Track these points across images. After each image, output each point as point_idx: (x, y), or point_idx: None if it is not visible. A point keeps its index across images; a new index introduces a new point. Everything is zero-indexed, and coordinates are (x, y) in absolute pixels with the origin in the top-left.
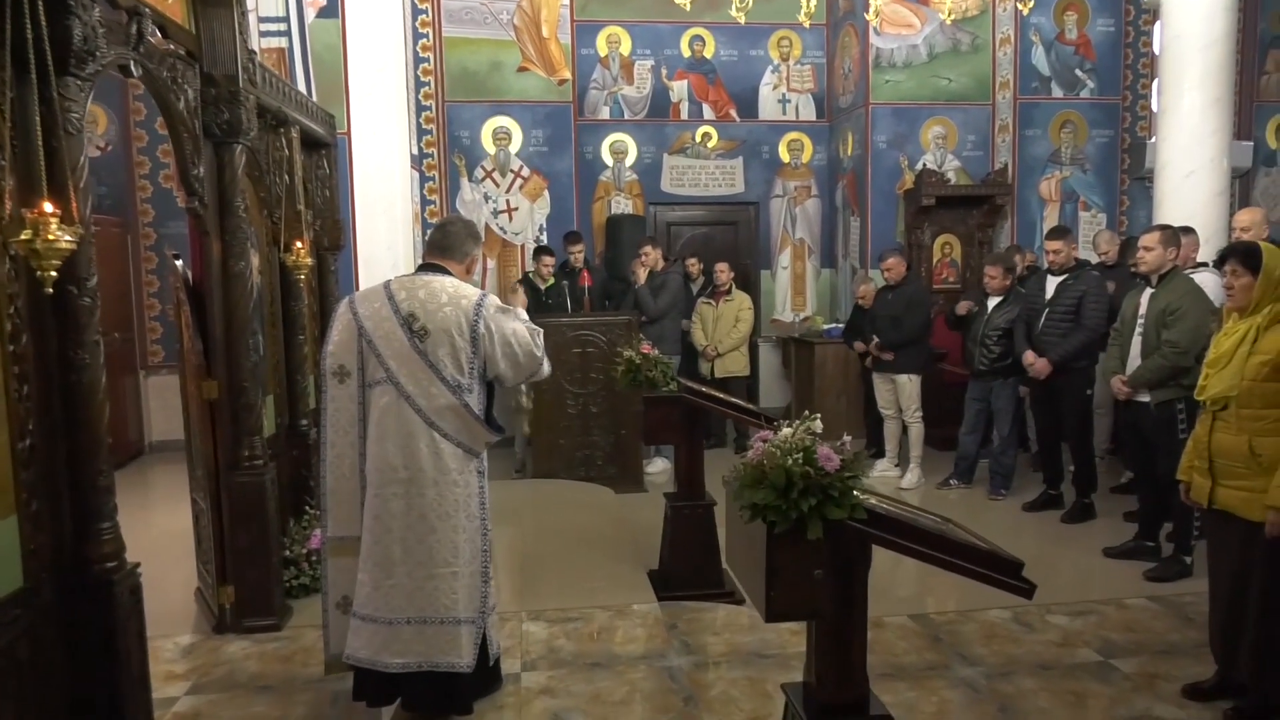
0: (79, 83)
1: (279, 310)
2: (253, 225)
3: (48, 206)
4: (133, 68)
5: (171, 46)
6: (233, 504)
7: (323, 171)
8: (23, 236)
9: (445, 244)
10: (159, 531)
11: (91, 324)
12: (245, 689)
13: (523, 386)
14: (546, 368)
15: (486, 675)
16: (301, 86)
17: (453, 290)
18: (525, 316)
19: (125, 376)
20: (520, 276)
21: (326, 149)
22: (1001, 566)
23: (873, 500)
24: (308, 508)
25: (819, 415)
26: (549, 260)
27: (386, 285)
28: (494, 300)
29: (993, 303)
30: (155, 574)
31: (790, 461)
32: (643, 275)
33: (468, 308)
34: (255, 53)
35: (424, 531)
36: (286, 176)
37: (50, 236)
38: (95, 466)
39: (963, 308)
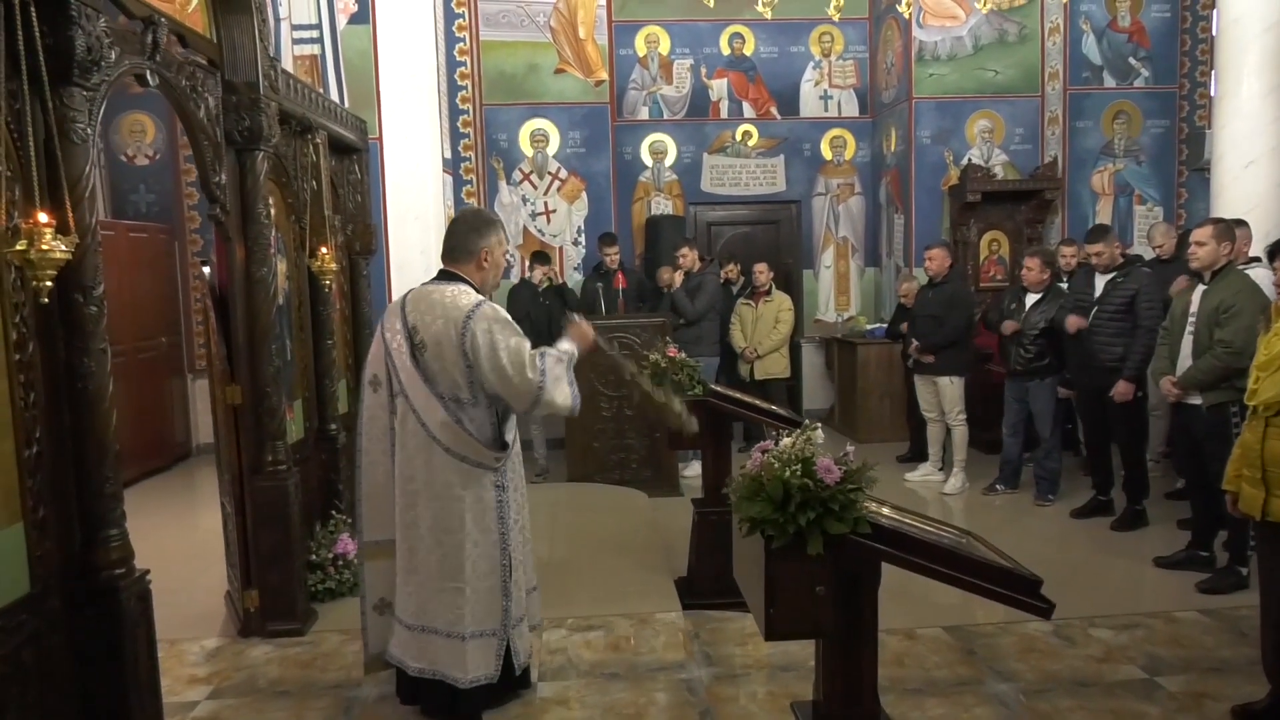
0: (85, 93)
1: (308, 315)
2: (279, 231)
3: (42, 217)
4: (149, 77)
5: (191, 55)
6: (256, 508)
7: (354, 176)
8: (17, 247)
9: (450, 245)
10: (202, 532)
11: (98, 331)
12: (263, 694)
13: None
14: (562, 399)
15: (513, 683)
16: (334, 93)
17: (450, 300)
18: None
19: (172, 379)
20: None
21: (358, 154)
22: (1017, 584)
23: (883, 513)
24: (335, 512)
25: (820, 425)
26: (543, 270)
27: (404, 296)
28: (489, 310)
29: (1030, 299)
30: (191, 575)
31: (788, 473)
32: (677, 279)
33: (458, 318)
34: (278, 60)
35: (431, 544)
36: (314, 182)
37: (44, 247)
38: (102, 473)
39: (1073, 325)
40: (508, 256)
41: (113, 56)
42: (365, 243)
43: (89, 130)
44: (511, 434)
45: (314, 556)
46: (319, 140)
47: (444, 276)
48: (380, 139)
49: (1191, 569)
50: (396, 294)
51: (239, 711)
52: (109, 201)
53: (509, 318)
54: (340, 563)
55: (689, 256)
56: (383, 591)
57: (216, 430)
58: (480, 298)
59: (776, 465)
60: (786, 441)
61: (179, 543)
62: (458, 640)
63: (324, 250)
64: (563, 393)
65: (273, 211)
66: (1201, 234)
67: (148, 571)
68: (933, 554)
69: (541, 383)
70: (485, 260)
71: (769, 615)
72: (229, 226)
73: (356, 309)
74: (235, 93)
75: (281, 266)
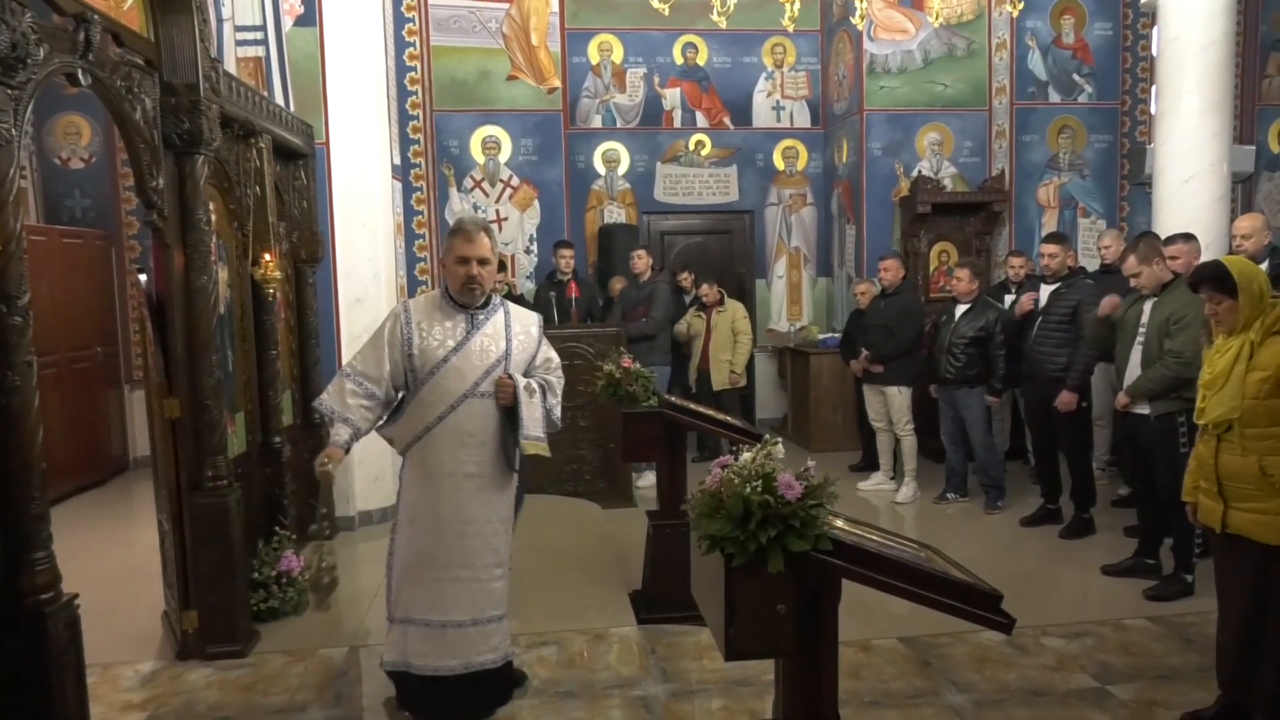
0: (9, 91)
1: (250, 325)
2: (220, 238)
3: None
4: (80, 76)
5: (128, 55)
6: (195, 526)
7: (300, 182)
8: None
9: None
10: (139, 550)
11: (23, 344)
12: None
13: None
14: (323, 396)
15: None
16: (279, 96)
17: None
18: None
19: (108, 390)
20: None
21: (304, 159)
22: (978, 600)
23: (841, 527)
24: (279, 528)
25: (780, 440)
26: (500, 277)
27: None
28: (399, 305)
29: (960, 310)
30: (127, 596)
31: (749, 490)
32: (616, 285)
33: None
34: (220, 61)
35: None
36: (257, 188)
37: None
38: (27, 493)
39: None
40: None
41: (40, 54)
42: (311, 250)
43: (14, 131)
44: (390, 429)
45: (256, 574)
46: (263, 145)
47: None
48: (327, 144)
49: (1139, 576)
50: (344, 303)
51: None
52: (41, 206)
53: (384, 332)
54: (284, 580)
55: (644, 259)
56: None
57: (153, 444)
58: (404, 302)
59: (736, 481)
60: (746, 456)
61: (114, 561)
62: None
63: (268, 258)
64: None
65: (214, 218)
66: (1130, 265)
67: (76, 596)
68: (895, 570)
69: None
70: (443, 269)
71: (729, 634)
72: (167, 233)
73: (302, 318)
74: (174, 94)
75: (223, 275)
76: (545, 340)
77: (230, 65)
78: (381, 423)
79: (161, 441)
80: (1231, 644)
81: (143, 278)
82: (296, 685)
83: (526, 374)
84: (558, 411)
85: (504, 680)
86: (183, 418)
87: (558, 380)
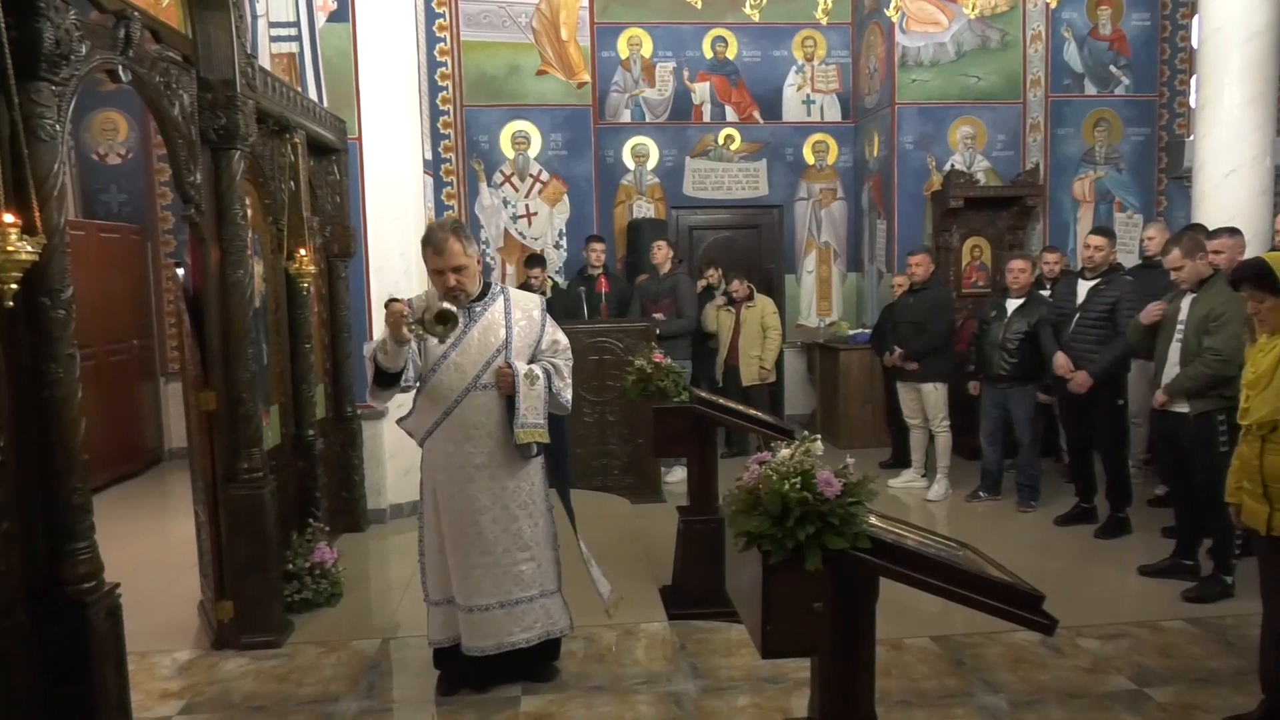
0: (53, 88)
1: (284, 318)
2: (255, 232)
3: (7, 217)
4: (121, 73)
5: (166, 51)
6: (230, 517)
7: (333, 177)
8: None
9: None
10: (174, 540)
11: (65, 336)
12: (237, 709)
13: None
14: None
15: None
16: (312, 92)
17: None
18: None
19: (144, 383)
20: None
21: (337, 154)
22: (1020, 600)
23: (880, 526)
24: (312, 520)
25: (819, 437)
26: (539, 273)
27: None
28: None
29: (1011, 305)
30: (163, 585)
31: (787, 486)
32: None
33: None
34: (255, 57)
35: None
36: (291, 182)
37: (9, 248)
38: (70, 483)
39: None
40: (483, 260)
41: (83, 51)
42: (344, 245)
43: (57, 127)
44: (408, 421)
45: (290, 566)
46: (297, 140)
47: None
48: (359, 139)
49: (1176, 578)
50: (375, 298)
51: None
52: (79, 201)
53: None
54: (317, 572)
55: (664, 250)
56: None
57: (190, 436)
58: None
59: (775, 478)
60: (785, 453)
61: (150, 551)
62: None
63: (302, 252)
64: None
65: (249, 212)
66: (1172, 259)
67: (117, 585)
68: (935, 570)
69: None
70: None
71: (765, 632)
72: (204, 227)
73: (334, 312)
74: (211, 90)
75: (258, 269)
76: (551, 322)
77: (265, 61)
78: (402, 415)
79: (198, 434)
80: (1275, 648)
81: (180, 272)
82: (330, 676)
83: (533, 358)
84: (567, 394)
85: (546, 651)
86: (219, 410)
87: (565, 363)
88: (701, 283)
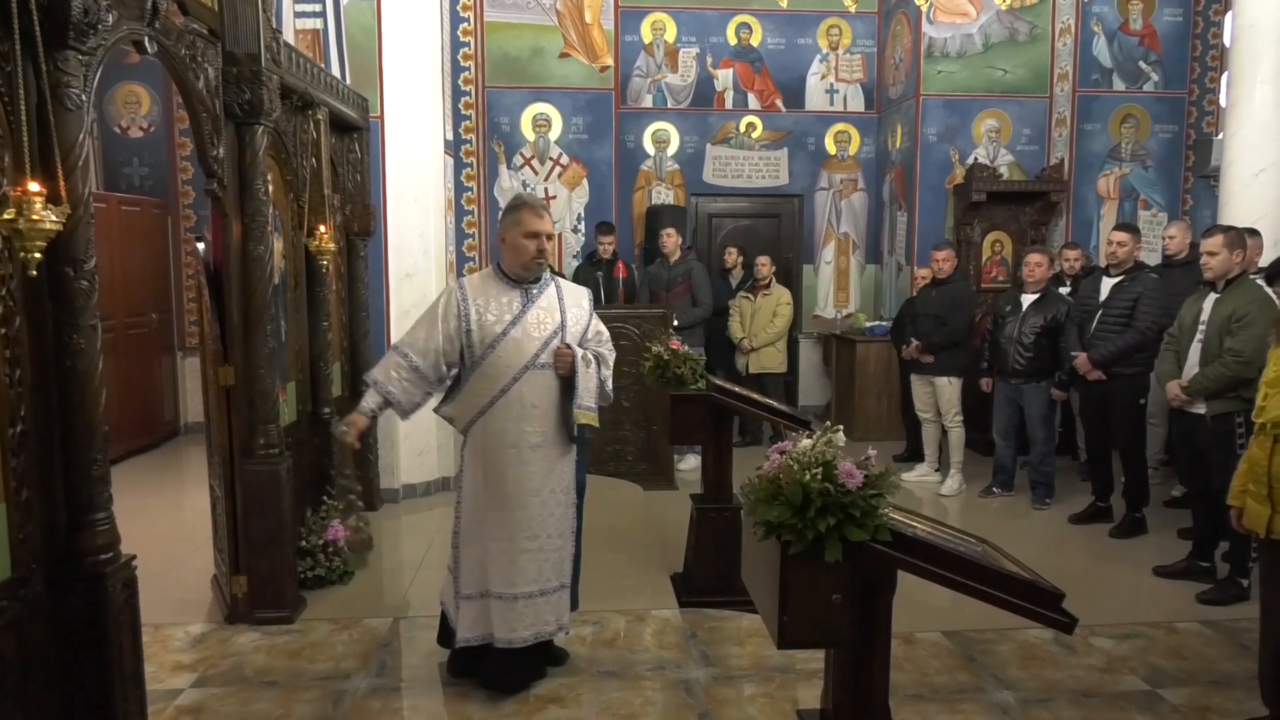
0: (80, 57)
1: (304, 295)
2: (277, 208)
3: (33, 185)
4: (147, 44)
5: (191, 23)
6: (246, 493)
7: (354, 155)
8: (5, 216)
9: None
10: (189, 514)
11: (89, 307)
12: (250, 683)
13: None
14: (374, 368)
15: (453, 653)
16: (335, 69)
17: None
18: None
19: (162, 357)
20: None
21: (359, 132)
22: (1040, 598)
23: (900, 519)
24: (326, 498)
25: (841, 428)
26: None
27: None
28: (455, 283)
29: (1027, 300)
30: (178, 558)
31: (809, 477)
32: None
33: None
34: (280, 32)
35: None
36: (313, 159)
37: (34, 217)
38: (90, 455)
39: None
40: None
41: (110, 20)
42: (363, 223)
43: (84, 97)
44: (448, 409)
45: (304, 543)
46: (320, 117)
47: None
48: (381, 118)
49: (1192, 579)
50: (394, 277)
51: (224, 701)
52: (101, 173)
53: (438, 304)
54: (330, 549)
55: (674, 238)
56: None
57: (207, 411)
58: (460, 280)
59: (796, 468)
60: (806, 443)
61: (165, 524)
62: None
63: (322, 230)
64: (376, 368)
65: (271, 188)
66: (1212, 243)
67: (134, 557)
68: (954, 565)
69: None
70: (503, 243)
71: (782, 622)
72: (226, 202)
73: (353, 291)
74: (236, 64)
75: (278, 245)
76: (595, 314)
77: (288, 36)
78: (440, 402)
79: (216, 409)
80: (1271, 659)
81: (200, 246)
82: (342, 653)
83: (580, 345)
84: (610, 384)
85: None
86: (237, 385)
87: (610, 353)
88: (728, 259)
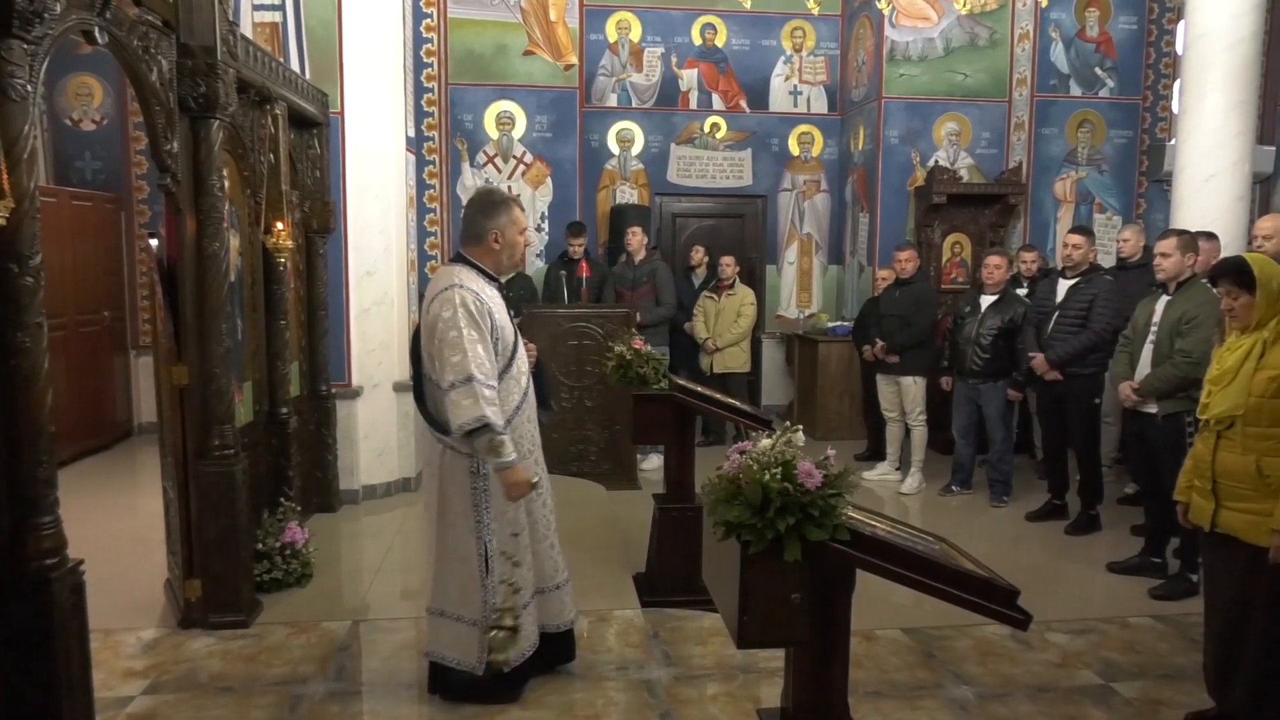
0: (25, 46)
1: (261, 293)
2: (233, 204)
3: None
4: (97, 34)
5: (145, 14)
6: (201, 494)
7: (313, 151)
8: None
9: (462, 230)
10: (142, 516)
11: (34, 305)
12: (204, 689)
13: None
14: (458, 414)
15: (495, 681)
16: (295, 63)
17: (438, 281)
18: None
19: (115, 356)
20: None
21: (318, 128)
22: (996, 596)
23: (859, 518)
24: (284, 499)
25: (801, 427)
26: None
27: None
28: (452, 295)
29: (986, 301)
30: (130, 562)
31: (768, 477)
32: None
33: (430, 298)
34: (237, 25)
35: (430, 519)
36: (271, 155)
37: None
38: (35, 456)
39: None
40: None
41: (58, 9)
42: (323, 221)
43: (29, 88)
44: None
45: (260, 545)
46: (278, 111)
47: (455, 259)
48: (341, 113)
49: (1144, 575)
50: (354, 275)
51: (177, 708)
52: (51, 167)
53: (471, 311)
54: (288, 552)
55: (639, 237)
56: None
57: (160, 411)
58: (456, 282)
59: (755, 468)
60: (766, 443)
61: (117, 527)
62: (434, 615)
63: (280, 226)
64: (460, 413)
65: (227, 184)
66: (1166, 245)
67: (81, 561)
68: (912, 563)
69: (452, 386)
70: (496, 241)
71: (742, 622)
72: (180, 198)
73: (312, 289)
74: (191, 57)
75: (234, 242)
76: None
77: (246, 29)
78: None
79: (169, 409)
80: (1214, 645)
81: (154, 242)
82: (299, 657)
83: None
84: None
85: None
86: (191, 385)
87: None
88: (694, 258)
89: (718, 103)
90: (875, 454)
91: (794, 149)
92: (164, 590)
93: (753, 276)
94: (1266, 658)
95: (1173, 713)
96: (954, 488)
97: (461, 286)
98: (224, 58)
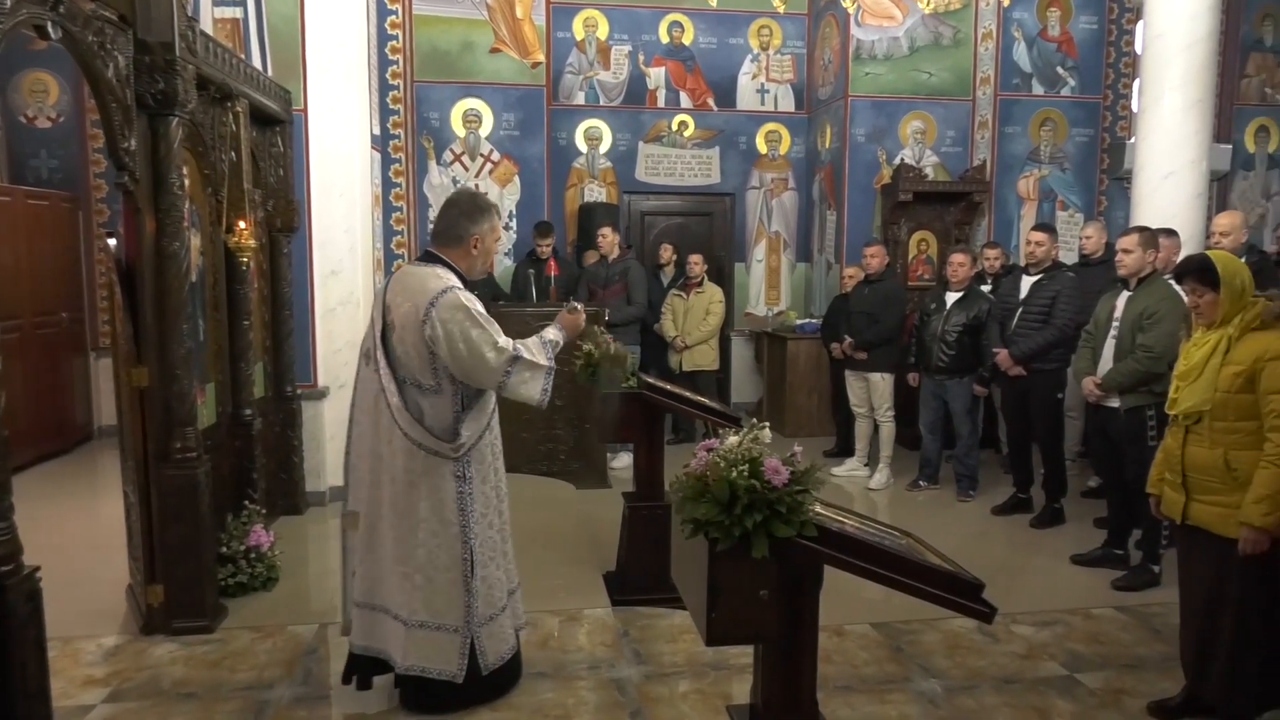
0: None
1: (223, 293)
2: (194, 203)
3: None
4: (50, 29)
5: (101, 10)
6: (163, 498)
7: (276, 149)
8: None
9: (439, 228)
10: (103, 521)
11: None
12: (167, 696)
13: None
14: (528, 392)
15: (479, 686)
16: (256, 60)
17: (419, 284)
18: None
19: (74, 357)
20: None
21: (281, 126)
22: (961, 589)
23: (826, 514)
24: (249, 502)
25: (768, 424)
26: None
27: (393, 271)
28: (453, 298)
29: (951, 298)
30: (90, 567)
31: (735, 474)
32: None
33: (423, 304)
34: (196, 20)
35: (389, 524)
36: (233, 153)
37: None
38: None
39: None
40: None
41: (8, 3)
42: (286, 219)
43: None
44: (471, 427)
45: (225, 549)
46: (239, 109)
47: (426, 258)
48: (305, 111)
49: (1107, 566)
50: (319, 274)
51: (140, 715)
52: (5, 165)
53: (476, 306)
54: (253, 555)
55: (610, 237)
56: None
57: (120, 414)
58: (449, 284)
59: (723, 465)
60: (733, 440)
61: (77, 532)
62: (401, 625)
63: (242, 226)
64: (529, 388)
65: (187, 182)
66: (1128, 242)
67: (37, 568)
68: (879, 558)
69: (506, 374)
70: (475, 247)
71: (711, 619)
72: (139, 196)
73: (276, 289)
74: (149, 53)
75: (195, 241)
76: None
77: (206, 25)
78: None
79: (129, 411)
80: (1191, 636)
81: (112, 242)
82: (264, 662)
83: None
84: None
85: None
86: (151, 387)
87: None
88: (663, 255)
89: (685, 101)
90: (844, 450)
91: (761, 147)
92: (126, 596)
93: (721, 274)
94: (1240, 645)
95: (1136, 702)
96: (921, 483)
97: (457, 289)
98: (183, 54)
